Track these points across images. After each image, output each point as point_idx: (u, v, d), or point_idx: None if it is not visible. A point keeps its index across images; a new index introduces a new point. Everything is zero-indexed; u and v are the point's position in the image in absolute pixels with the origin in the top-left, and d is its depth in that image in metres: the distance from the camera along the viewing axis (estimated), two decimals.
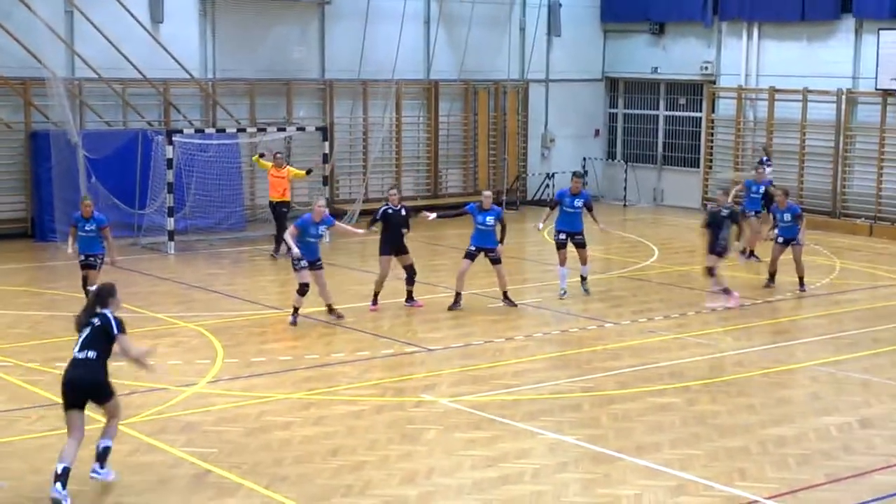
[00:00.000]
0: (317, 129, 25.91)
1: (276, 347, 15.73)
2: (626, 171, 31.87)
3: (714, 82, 30.29)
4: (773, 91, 28.69)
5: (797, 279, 19.67)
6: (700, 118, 30.83)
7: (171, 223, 23.17)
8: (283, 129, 25.53)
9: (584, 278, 19.20)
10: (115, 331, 10.35)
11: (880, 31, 26.47)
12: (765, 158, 25.91)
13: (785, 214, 19.71)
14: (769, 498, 10.39)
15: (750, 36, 29.48)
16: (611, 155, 32.86)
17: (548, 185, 31.01)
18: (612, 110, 32.92)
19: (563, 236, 18.88)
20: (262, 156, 23.33)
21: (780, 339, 16.59)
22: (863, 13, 27.15)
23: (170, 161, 23.08)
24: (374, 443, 11.77)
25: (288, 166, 23.27)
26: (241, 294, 19.11)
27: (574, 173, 19.69)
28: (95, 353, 10.27)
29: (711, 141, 30.42)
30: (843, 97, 27.48)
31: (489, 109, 30.53)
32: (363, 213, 23.21)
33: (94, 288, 16.50)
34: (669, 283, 20.55)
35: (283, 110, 27.33)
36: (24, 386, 13.64)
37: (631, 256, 23.13)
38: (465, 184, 30.52)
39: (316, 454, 11.41)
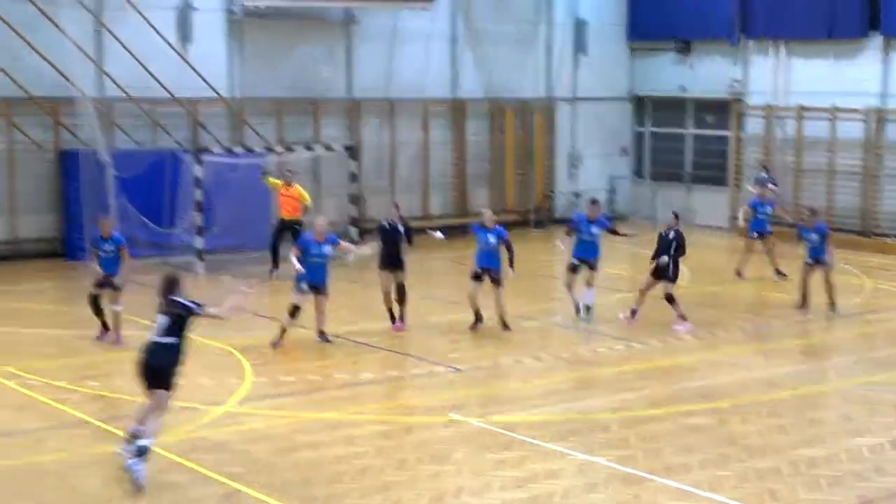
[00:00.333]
0: (344, 148, 25.98)
1: (304, 367, 15.73)
2: (653, 189, 31.79)
3: (742, 100, 30.20)
4: (802, 109, 28.58)
5: (828, 300, 19.46)
6: (728, 136, 30.73)
7: (199, 242, 23.25)
8: (311, 149, 25.59)
9: (588, 307, 18.61)
10: (198, 311, 11.10)
11: None
12: (765, 175, 26.00)
13: (811, 234, 19.49)
14: None
15: (777, 54, 29.38)
16: (638, 173, 32.79)
17: (575, 204, 30.95)
18: (640, 129, 32.85)
19: (576, 262, 18.61)
20: (266, 173, 22.97)
21: (810, 359, 16.50)
22: (891, 31, 27.02)
23: (198, 180, 23.19)
24: (403, 462, 11.75)
25: (296, 185, 23.02)
26: (269, 313, 19.12)
27: (590, 200, 19.46)
28: (170, 340, 11.05)
29: (739, 159, 30.31)
30: (873, 115, 27.36)
31: (516, 128, 30.54)
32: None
33: (118, 308, 16.65)
34: (698, 302, 20.44)
35: (310, 129, 27.40)
36: (54, 404, 13.68)
37: None
38: (493, 203, 30.42)
39: (345, 474, 11.39)
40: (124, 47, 24.43)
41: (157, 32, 24.92)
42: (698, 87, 31.03)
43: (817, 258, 19.45)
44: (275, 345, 16.45)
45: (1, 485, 11.06)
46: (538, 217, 30.39)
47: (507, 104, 30.29)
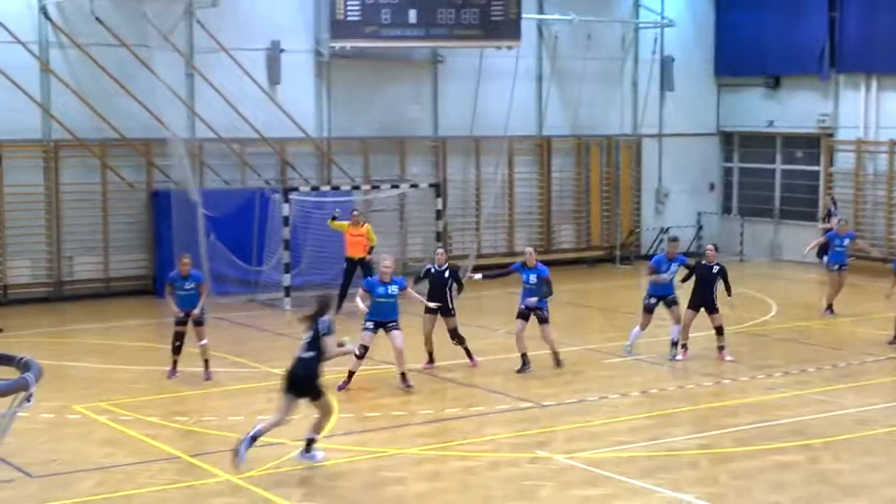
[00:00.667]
0: (430, 185, 26.13)
1: (389, 402, 15.77)
2: (742, 224, 31.48)
3: (832, 135, 29.81)
4: (893, 143, 28.12)
5: None
6: (818, 172, 30.33)
7: (287, 279, 23.51)
8: (397, 186, 25.79)
9: (674, 343, 18.40)
10: (324, 332, 12.46)
11: None
12: (831, 208, 25.65)
13: None
14: None
15: (868, 88, 28.99)
16: (726, 209, 32.50)
17: (661, 241, 30.74)
18: (727, 164, 32.60)
19: (653, 300, 18.42)
20: (335, 218, 22.92)
21: None
22: None
23: (286, 218, 23.47)
24: (489, 499, 11.70)
25: (367, 224, 23.06)
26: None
27: (670, 238, 19.31)
28: (313, 354, 12.47)
29: (829, 194, 29.87)
30: None
31: (601, 164, 30.48)
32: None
33: (203, 342, 16.86)
34: (789, 338, 20.14)
35: (396, 167, 27.63)
36: (145, 440, 13.88)
37: (748, 312, 22.69)
38: (578, 239, 30.43)
39: None
40: (215, 89, 24.90)
41: (248, 74, 25.36)
42: (787, 122, 30.72)
43: None
44: (341, 388, 16.23)
45: None
46: (624, 253, 30.22)
47: (593, 140, 30.25)
